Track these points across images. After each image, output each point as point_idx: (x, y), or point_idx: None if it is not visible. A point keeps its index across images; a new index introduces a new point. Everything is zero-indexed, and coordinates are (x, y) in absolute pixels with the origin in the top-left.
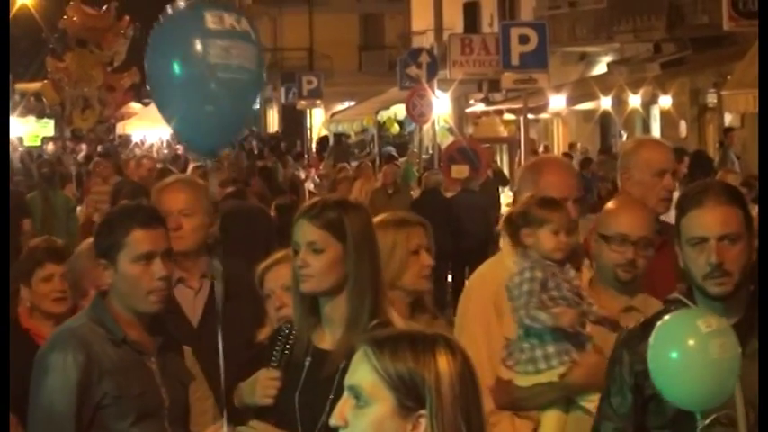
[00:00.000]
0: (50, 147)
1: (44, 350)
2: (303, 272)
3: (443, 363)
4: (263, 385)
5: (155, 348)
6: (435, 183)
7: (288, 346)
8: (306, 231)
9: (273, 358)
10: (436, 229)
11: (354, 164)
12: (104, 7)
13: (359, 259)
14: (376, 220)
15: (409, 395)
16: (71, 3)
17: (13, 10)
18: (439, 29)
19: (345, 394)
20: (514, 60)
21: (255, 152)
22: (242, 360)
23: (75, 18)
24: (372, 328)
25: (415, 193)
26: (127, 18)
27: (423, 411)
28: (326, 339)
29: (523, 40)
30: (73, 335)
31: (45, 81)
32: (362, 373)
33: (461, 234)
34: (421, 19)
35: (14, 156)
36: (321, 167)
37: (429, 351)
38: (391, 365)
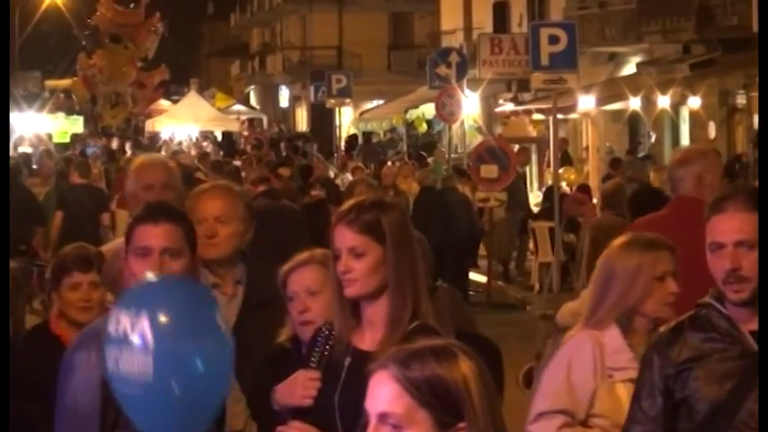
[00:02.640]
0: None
1: (69, 350)
2: (346, 277)
3: (467, 368)
4: (302, 386)
5: None
6: (432, 181)
7: (327, 348)
8: (345, 237)
9: (312, 359)
10: (432, 225)
11: (390, 163)
12: (132, 5)
13: (399, 260)
14: (621, 240)
15: (445, 409)
16: (101, 0)
17: (43, 6)
18: (468, 28)
19: (374, 424)
20: (544, 60)
21: (283, 153)
22: (262, 361)
23: (107, 14)
24: (413, 330)
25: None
26: (158, 15)
27: (461, 424)
28: (367, 340)
29: (553, 40)
30: (97, 334)
31: (75, 78)
32: (391, 397)
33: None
34: (450, 18)
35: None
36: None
37: (452, 357)
38: (420, 374)
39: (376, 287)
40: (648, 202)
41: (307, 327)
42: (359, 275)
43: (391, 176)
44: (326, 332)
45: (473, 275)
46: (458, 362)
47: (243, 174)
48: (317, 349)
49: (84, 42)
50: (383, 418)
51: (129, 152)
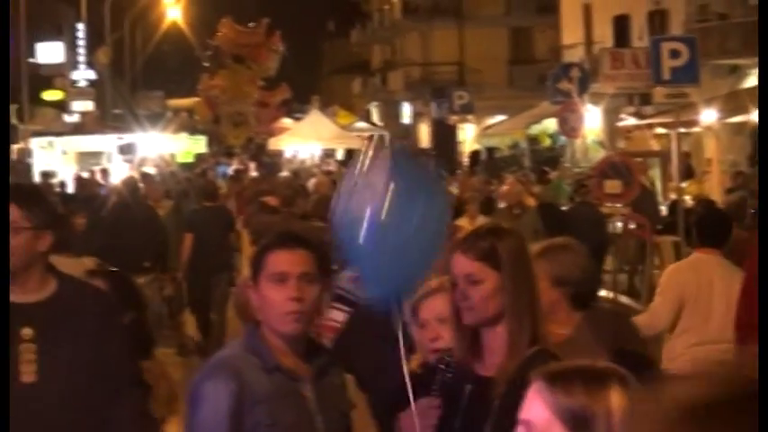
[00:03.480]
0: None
1: (197, 379)
2: (464, 304)
3: (616, 398)
4: (424, 414)
5: (310, 375)
6: (551, 197)
7: (448, 375)
8: (462, 264)
9: (434, 387)
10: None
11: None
12: (251, 24)
13: (516, 286)
14: None
15: (583, 430)
16: (222, 20)
17: (164, 27)
18: (589, 42)
19: (519, 429)
20: (665, 75)
21: None
22: (393, 388)
23: (228, 34)
24: (533, 355)
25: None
26: (278, 33)
27: None
28: (487, 366)
29: (674, 54)
30: (225, 363)
31: (197, 98)
32: (536, 409)
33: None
34: (571, 32)
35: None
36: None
37: (602, 386)
38: (564, 401)
39: (494, 314)
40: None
41: (438, 354)
42: (476, 303)
43: (516, 195)
44: (447, 360)
45: None
46: (607, 390)
47: None
48: (437, 377)
49: (206, 63)
50: (525, 424)
51: (252, 172)
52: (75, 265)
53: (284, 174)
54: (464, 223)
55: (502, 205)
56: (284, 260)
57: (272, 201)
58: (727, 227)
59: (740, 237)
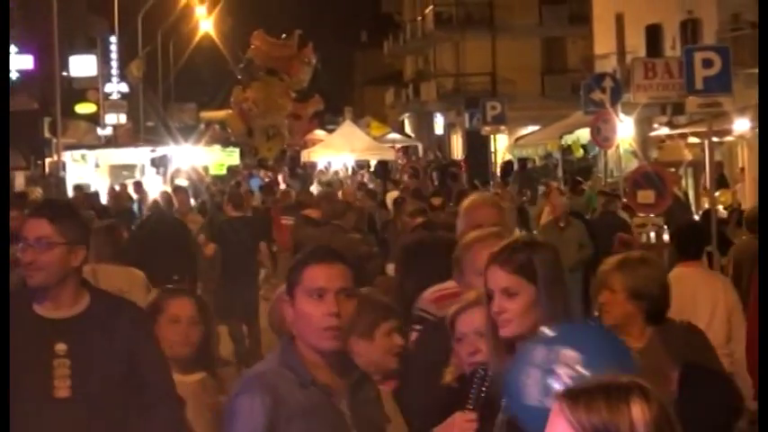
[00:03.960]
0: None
1: (232, 394)
2: (501, 317)
3: (638, 412)
4: (460, 428)
5: (346, 390)
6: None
7: (484, 389)
8: (498, 277)
9: (470, 401)
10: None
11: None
12: (284, 36)
13: (551, 299)
14: None
15: None
16: (255, 32)
17: (196, 39)
18: (621, 52)
19: None
20: (698, 84)
21: (435, 181)
22: (430, 403)
23: (261, 47)
24: None
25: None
26: (311, 45)
27: None
28: None
29: (707, 63)
30: (259, 379)
31: (229, 111)
32: (560, 428)
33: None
34: (603, 42)
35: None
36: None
37: (623, 401)
38: (586, 418)
39: (530, 326)
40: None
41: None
42: (513, 315)
43: (561, 207)
44: (482, 373)
45: None
46: (630, 404)
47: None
48: (473, 390)
49: (239, 76)
50: None
51: (282, 184)
52: (125, 275)
53: (313, 186)
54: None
55: (548, 217)
56: (322, 275)
57: (313, 213)
58: (705, 238)
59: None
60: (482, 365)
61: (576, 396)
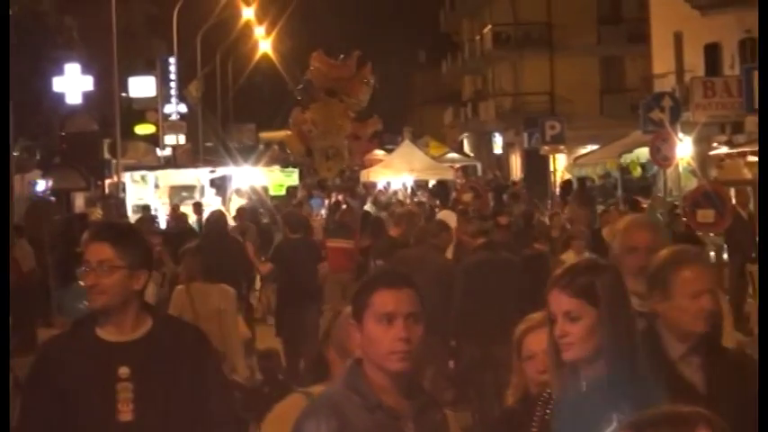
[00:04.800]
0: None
1: (299, 418)
2: (563, 341)
3: None
4: None
5: (412, 413)
6: None
7: (547, 411)
8: (560, 301)
9: (534, 423)
10: None
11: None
12: (342, 56)
13: (614, 322)
14: None
15: None
16: (314, 53)
17: (255, 59)
18: (680, 71)
19: None
20: (757, 103)
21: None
22: (494, 423)
23: (321, 68)
24: None
25: None
26: (369, 66)
27: None
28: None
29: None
30: (326, 402)
31: (288, 132)
32: None
33: None
34: (662, 61)
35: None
36: (565, 212)
37: (689, 431)
38: None
39: (593, 350)
40: None
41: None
42: (575, 339)
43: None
44: (546, 396)
45: None
46: None
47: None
48: (537, 413)
49: (298, 97)
50: None
51: (343, 204)
52: (220, 293)
53: (367, 206)
54: (570, 258)
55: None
56: (392, 300)
57: (393, 232)
58: None
59: None
60: (546, 387)
61: (641, 428)
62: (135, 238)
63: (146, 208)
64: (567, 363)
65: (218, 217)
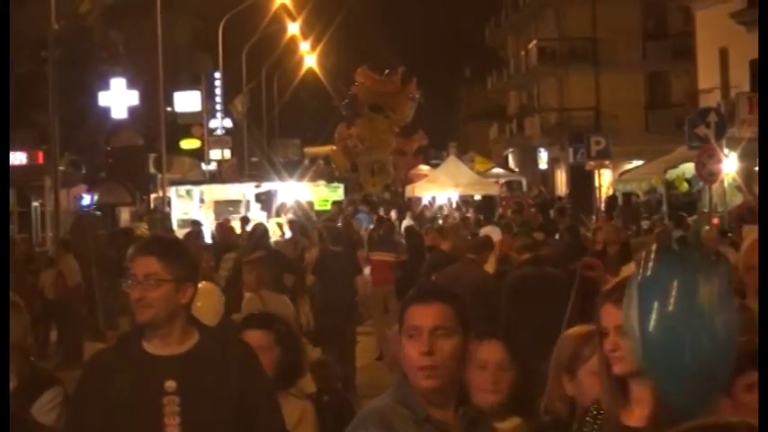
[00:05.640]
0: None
1: (348, 430)
2: (614, 355)
3: None
4: None
5: (461, 427)
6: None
7: (596, 426)
8: (612, 315)
9: None
10: None
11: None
12: (387, 71)
13: None
14: None
15: None
16: (359, 69)
17: (300, 74)
18: (725, 87)
19: None
20: None
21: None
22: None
23: (365, 84)
24: None
25: None
26: (414, 81)
27: None
28: (636, 417)
29: None
30: (374, 415)
31: (333, 147)
32: None
33: None
34: (707, 77)
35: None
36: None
37: None
38: None
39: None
40: None
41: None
42: (627, 353)
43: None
44: (594, 410)
45: None
46: None
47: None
48: (585, 428)
49: (343, 112)
50: None
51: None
52: (283, 303)
53: (407, 220)
54: (630, 270)
55: None
56: (418, 314)
57: (445, 246)
58: None
59: None
60: (595, 402)
61: None
62: (181, 251)
63: (195, 222)
64: (617, 377)
65: (262, 230)
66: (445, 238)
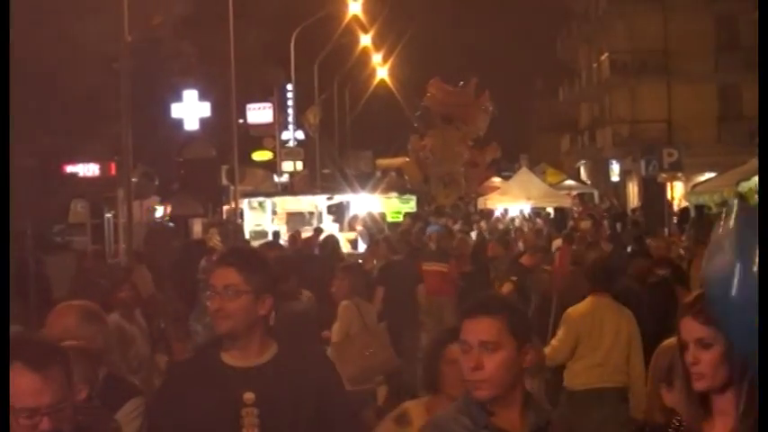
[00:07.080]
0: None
1: None
2: (695, 369)
3: None
4: None
5: (526, 431)
6: None
7: None
8: (692, 328)
9: None
10: None
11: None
12: (460, 83)
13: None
14: None
15: None
16: (431, 80)
17: (372, 86)
18: None
19: None
20: None
21: (609, 230)
22: None
23: (438, 95)
24: None
25: None
26: (487, 93)
27: None
28: (717, 429)
29: None
30: (436, 425)
31: (406, 158)
32: None
33: None
34: None
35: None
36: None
37: None
38: None
39: (725, 378)
40: None
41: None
42: (708, 367)
43: None
44: (677, 424)
45: None
46: None
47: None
48: None
49: (415, 124)
50: None
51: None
52: (372, 311)
53: (474, 233)
54: None
55: None
56: (466, 329)
57: (526, 260)
58: (613, 274)
59: None
60: (676, 415)
61: None
62: (260, 263)
63: (275, 234)
64: (698, 392)
65: (334, 241)
66: (507, 248)
